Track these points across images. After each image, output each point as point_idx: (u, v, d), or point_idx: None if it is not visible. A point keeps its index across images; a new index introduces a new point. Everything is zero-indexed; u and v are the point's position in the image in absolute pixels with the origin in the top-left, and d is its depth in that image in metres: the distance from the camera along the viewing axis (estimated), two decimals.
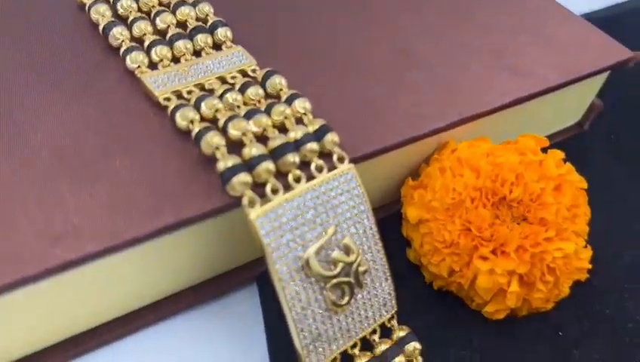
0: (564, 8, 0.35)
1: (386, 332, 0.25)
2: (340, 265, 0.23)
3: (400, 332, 0.25)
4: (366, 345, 0.25)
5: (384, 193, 0.30)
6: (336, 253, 0.23)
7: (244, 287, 0.27)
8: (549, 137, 0.36)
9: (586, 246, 0.27)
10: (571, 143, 0.37)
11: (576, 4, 0.37)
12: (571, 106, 0.36)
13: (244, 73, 0.26)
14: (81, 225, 0.20)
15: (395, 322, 0.25)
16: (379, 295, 0.25)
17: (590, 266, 0.26)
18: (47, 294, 0.21)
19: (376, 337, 0.25)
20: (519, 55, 0.31)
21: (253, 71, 0.26)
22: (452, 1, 0.34)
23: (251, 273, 0.26)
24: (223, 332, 0.26)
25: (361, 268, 0.23)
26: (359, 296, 0.24)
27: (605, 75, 0.35)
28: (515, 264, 0.24)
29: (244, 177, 0.21)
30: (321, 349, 0.23)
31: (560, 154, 0.27)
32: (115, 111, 0.24)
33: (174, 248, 0.23)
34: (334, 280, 0.23)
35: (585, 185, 0.27)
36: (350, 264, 0.23)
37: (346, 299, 0.23)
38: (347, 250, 0.23)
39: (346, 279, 0.23)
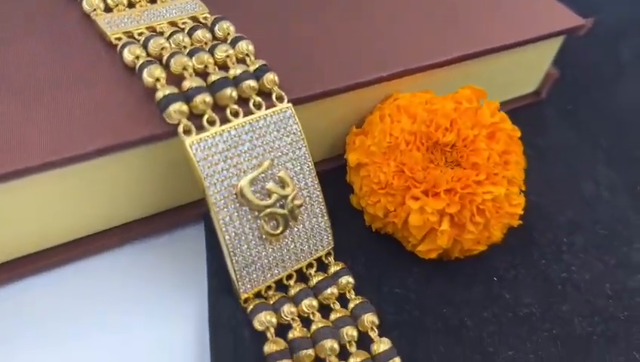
0: None
1: (323, 268, 0.27)
2: (275, 197, 0.24)
3: (335, 267, 0.26)
4: (303, 278, 0.26)
5: (334, 144, 0.31)
6: (270, 185, 0.24)
7: (192, 224, 0.28)
8: (507, 103, 0.37)
9: (520, 194, 0.28)
10: (529, 110, 0.38)
11: None
12: (526, 73, 0.37)
13: (195, 19, 0.27)
14: (23, 142, 0.21)
15: (331, 258, 0.27)
16: (315, 229, 0.26)
17: (522, 212, 0.28)
18: None
19: (312, 271, 0.26)
20: (470, 16, 0.32)
21: (205, 18, 0.27)
22: None
23: (199, 211, 0.28)
24: (167, 266, 0.27)
25: (297, 202, 0.25)
26: (295, 229, 0.25)
27: (559, 42, 0.36)
28: (444, 203, 0.26)
29: (180, 106, 0.23)
30: (254, 276, 0.24)
31: (495, 103, 0.28)
32: (67, 49, 0.25)
33: (120, 176, 0.24)
34: (268, 210, 0.24)
35: (518, 133, 0.28)
36: (285, 197, 0.24)
37: (280, 229, 0.24)
38: (282, 183, 0.24)
39: (280, 211, 0.24)
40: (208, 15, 0.27)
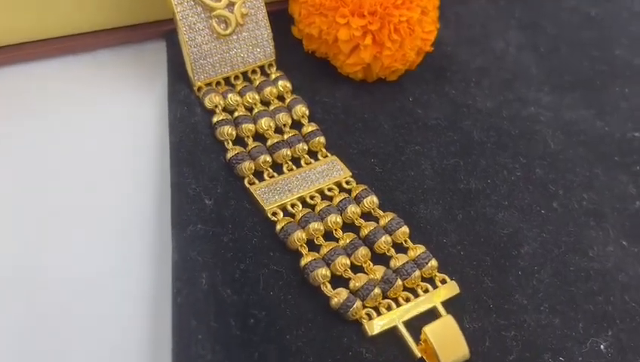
0: None
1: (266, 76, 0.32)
2: (224, 1, 0.29)
3: (275, 75, 0.32)
4: (248, 81, 0.31)
5: None
6: None
7: (154, 41, 0.33)
8: None
9: (432, 24, 0.33)
10: None
11: None
12: None
13: None
14: None
15: (273, 69, 0.32)
16: (258, 39, 0.31)
17: (433, 39, 0.33)
18: None
19: (256, 76, 0.31)
20: None
21: None
22: None
23: (162, 28, 0.33)
24: (129, 75, 0.32)
25: (243, 10, 0.30)
26: (242, 35, 0.30)
27: None
28: (366, 21, 0.31)
29: None
30: (207, 68, 0.30)
31: None
32: None
33: None
34: (218, 11, 0.29)
35: None
36: (233, 4, 0.29)
37: (229, 30, 0.29)
38: None
39: (229, 14, 0.29)
40: None
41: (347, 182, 0.28)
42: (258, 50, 0.31)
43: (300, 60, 0.34)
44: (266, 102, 0.31)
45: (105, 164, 0.27)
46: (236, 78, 0.31)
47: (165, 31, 0.32)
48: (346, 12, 0.31)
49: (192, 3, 0.28)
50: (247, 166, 0.27)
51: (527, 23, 0.42)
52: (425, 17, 0.33)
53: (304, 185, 0.27)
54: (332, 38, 0.32)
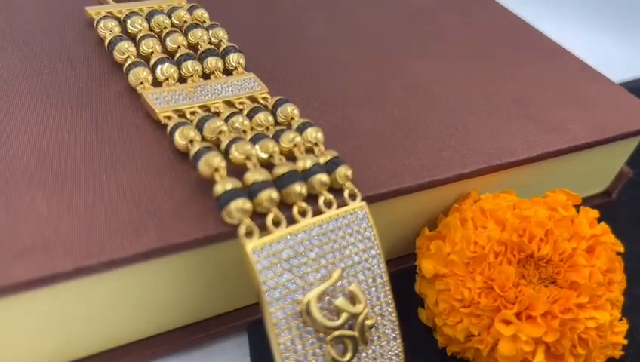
0: (593, 69, 0.34)
1: None
2: (344, 316, 0.20)
3: None
4: None
5: (397, 244, 0.27)
6: (340, 301, 0.20)
7: (232, 336, 0.24)
8: None
9: (621, 319, 0.24)
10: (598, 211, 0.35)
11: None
12: (600, 171, 0.33)
13: (253, 100, 0.24)
14: (52, 239, 0.17)
15: None
16: (385, 355, 0.21)
17: (626, 342, 0.23)
18: (5, 318, 0.18)
19: None
20: (547, 109, 0.29)
21: (264, 99, 0.24)
22: (473, 49, 0.32)
23: (242, 321, 0.23)
24: None
25: (368, 322, 0.20)
26: (363, 354, 0.21)
27: (637, 140, 0.33)
28: (542, 331, 0.21)
29: (243, 203, 0.19)
30: None
31: (594, 212, 0.24)
32: (109, 126, 0.22)
33: (158, 279, 0.20)
34: (336, 332, 0.20)
35: (621, 248, 0.24)
36: (356, 316, 0.20)
37: (348, 356, 0.20)
38: (353, 299, 0.20)
39: (349, 332, 0.20)
40: (268, 95, 0.24)
41: None
42: None
43: (430, 359, 0.24)
44: None
45: None
46: None
47: (246, 323, 0.23)
48: (511, 316, 0.22)
49: (302, 325, 0.19)
50: None
51: None
52: (614, 311, 0.23)
53: None
54: (488, 347, 0.22)
